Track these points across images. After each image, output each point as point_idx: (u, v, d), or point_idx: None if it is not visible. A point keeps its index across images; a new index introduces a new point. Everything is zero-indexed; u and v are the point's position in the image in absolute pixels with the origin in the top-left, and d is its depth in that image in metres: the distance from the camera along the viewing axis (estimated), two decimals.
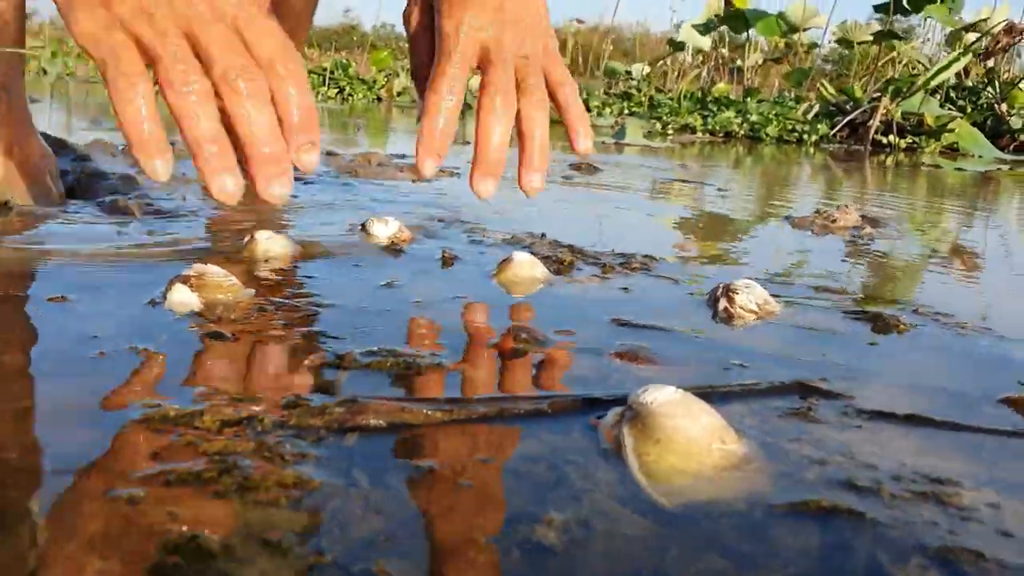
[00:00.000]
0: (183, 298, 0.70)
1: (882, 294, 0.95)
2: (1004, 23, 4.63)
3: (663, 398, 0.50)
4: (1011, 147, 4.38)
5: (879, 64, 5.54)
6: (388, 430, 0.49)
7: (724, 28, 6.33)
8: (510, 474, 0.46)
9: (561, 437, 0.51)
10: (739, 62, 7.07)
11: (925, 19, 5.48)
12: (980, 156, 4.10)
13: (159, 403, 0.50)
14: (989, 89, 4.98)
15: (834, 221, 1.46)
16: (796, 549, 0.40)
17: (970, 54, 4.72)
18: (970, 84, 5.17)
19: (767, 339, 0.75)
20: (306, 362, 0.59)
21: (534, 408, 0.54)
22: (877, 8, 5.18)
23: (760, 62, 7.24)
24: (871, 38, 5.52)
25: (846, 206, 1.54)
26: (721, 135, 4.61)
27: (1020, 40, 4.56)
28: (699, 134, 4.51)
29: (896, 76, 5.11)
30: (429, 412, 0.51)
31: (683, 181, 2.13)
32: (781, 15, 5.89)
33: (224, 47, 0.68)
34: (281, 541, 0.37)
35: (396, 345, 0.64)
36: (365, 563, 0.36)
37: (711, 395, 0.58)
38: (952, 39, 5.60)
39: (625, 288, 0.90)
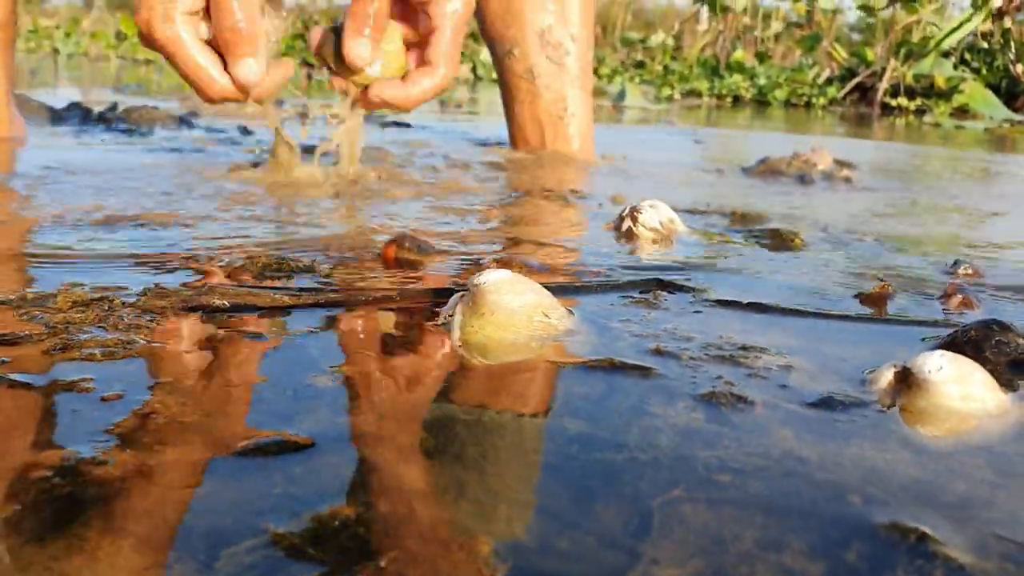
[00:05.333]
0: None
1: (793, 217, 0.97)
2: None
3: (493, 278, 0.52)
4: None
5: (898, 28, 5.46)
6: (232, 311, 0.52)
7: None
8: (332, 340, 0.48)
9: (402, 318, 0.54)
10: (757, 32, 7.00)
11: None
12: (991, 117, 4.04)
13: (21, 288, 0.53)
14: (1006, 51, 4.89)
15: (806, 162, 1.47)
16: (576, 393, 0.43)
17: (983, 13, 4.64)
18: (985, 46, 5.08)
19: (657, 251, 0.77)
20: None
21: (383, 296, 0.56)
22: None
23: (782, 29, 7.16)
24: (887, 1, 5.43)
25: (819, 150, 1.54)
26: (729, 99, 4.58)
27: None
28: (705, 98, 4.49)
29: (912, 39, 5.03)
30: (275, 296, 0.54)
31: (665, 135, 2.13)
32: None
33: None
34: (83, 384, 0.40)
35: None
36: (143, 396, 0.39)
37: (567, 288, 0.60)
38: (978, 1, 5.49)
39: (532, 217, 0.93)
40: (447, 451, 0.36)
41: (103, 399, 0.39)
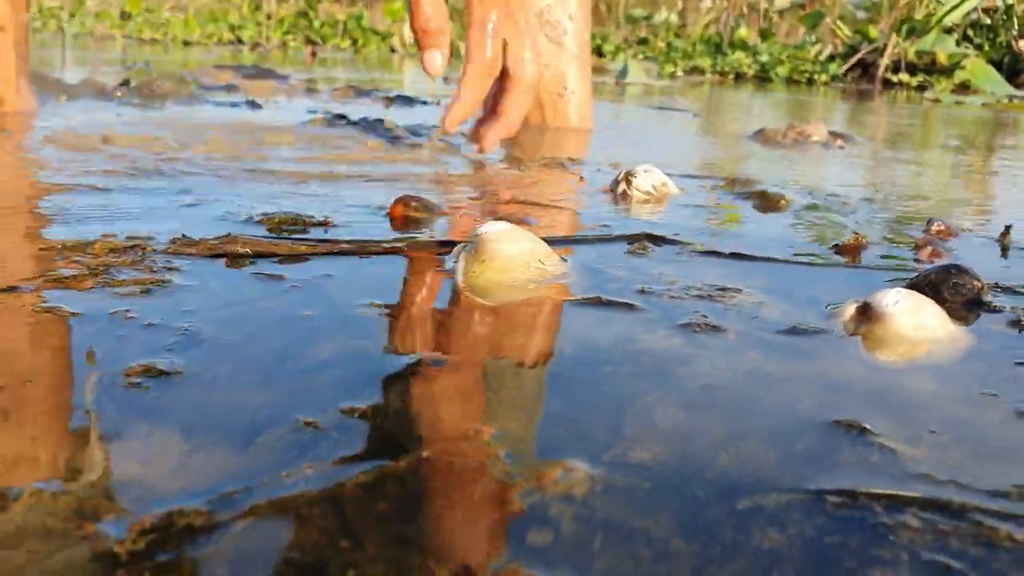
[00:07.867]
0: None
1: (782, 181, 1.01)
2: None
3: (494, 229, 0.57)
4: None
5: (901, 4, 5.46)
6: (254, 257, 0.57)
7: None
8: (348, 282, 0.53)
9: (409, 264, 0.58)
10: (764, 6, 7.00)
11: None
12: (992, 93, 4.05)
13: (59, 238, 0.58)
14: (1009, 27, 4.89)
15: (801, 133, 1.51)
16: (567, 324, 0.47)
17: None
18: (989, 22, 5.08)
19: (649, 211, 0.81)
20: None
21: (392, 247, 0.61)
22: None
23: (787, 6, 7.16)
24: None
25: (814, 121, 1.58)
26: (732, 76, 4.61)
27: None
28: (708, 75, 4.51)
29: (915, 16, 5.03)
30: (293, 245, 0.59)
31: (665, 109, 2.17)
32: None
33: None
34: (130, 312, 0.45)
35: None
36: (182, 321, 0.44)
37: (563, 240, 0.65)
38: None
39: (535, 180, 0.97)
40: (458, 370, 0.41)
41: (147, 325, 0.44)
